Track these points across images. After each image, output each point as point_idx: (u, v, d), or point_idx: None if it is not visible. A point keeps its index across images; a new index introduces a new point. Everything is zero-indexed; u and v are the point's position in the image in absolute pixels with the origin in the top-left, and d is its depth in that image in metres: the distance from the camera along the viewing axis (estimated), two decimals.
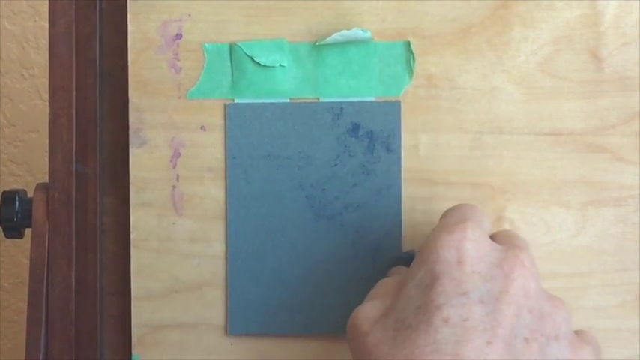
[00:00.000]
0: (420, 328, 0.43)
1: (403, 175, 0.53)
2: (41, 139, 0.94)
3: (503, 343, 0.43)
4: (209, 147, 0.54)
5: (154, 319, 0.54)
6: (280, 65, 0.53)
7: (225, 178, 0.54)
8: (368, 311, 0.47)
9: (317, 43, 0.53)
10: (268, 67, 0.53)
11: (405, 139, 0.53)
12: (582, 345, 0.46)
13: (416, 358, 0.42)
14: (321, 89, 0.53)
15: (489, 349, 0.42)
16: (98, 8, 0.55)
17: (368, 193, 0.53)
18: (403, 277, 0.48)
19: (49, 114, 0.55)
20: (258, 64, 0.53)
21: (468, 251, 0.45)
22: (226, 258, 0.54)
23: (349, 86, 0.53)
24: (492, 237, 0.48)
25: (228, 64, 0.53)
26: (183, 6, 0.53)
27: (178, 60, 0.54)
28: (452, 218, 0.48)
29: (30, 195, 0.56)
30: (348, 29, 0.52)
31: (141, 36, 0.54)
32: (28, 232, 0.56)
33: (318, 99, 0.53)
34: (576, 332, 0.47)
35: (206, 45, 0.54)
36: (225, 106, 0.54)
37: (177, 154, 0.54)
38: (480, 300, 0.44)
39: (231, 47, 0.53)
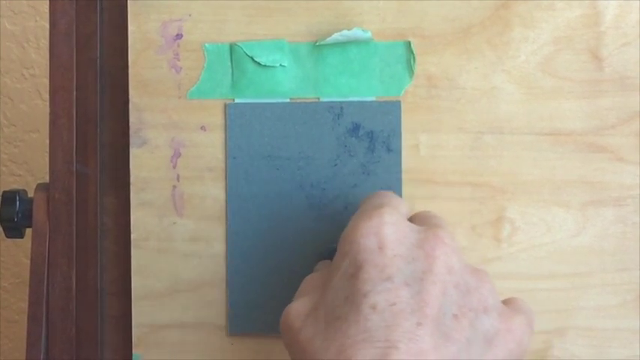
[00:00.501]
0: (350, 318, 0.43)
1: (403, 175, 0.53)
2: (41, 138, 0.94)
3: (432, 323, 0.43)
4: (209, 147, 0.54)
5: (154, 319, 0.54)
6: (280, 65, 0.53)
7: (226, 178, 0.54)
8: (298, 308, 0.47)
9: (317, 43, 0.53)
10: (268, 67, 0.53)
11: (406, 139, 0.53)
12: (512, 314, 0.46)
13: (349, 349, 0.42)
14: (322, 89, 0.53)
15: (420, 330, 0.42)
16: (99, 8, 0.55)
17: (368, 192, 0.53)
18: (328, 270, 0.48)
19: (50, 114, 0.55)
20: (259, 64, 0.53)
21: (388, 236, 0.45)
22: (226, 258, 0.54)
23: (349, 86, 0.53)
24: (410, 220, 0.48)
25: (229, 64, 0.53)
26: (183, 6, 0.53)
27: (179, 60, 0.54)
28: (368, 205, 0.48)
29: (30, 195, 0.56)
30: (348, 29, 0.52)
31: (141, 36, 0.54)
32: (28, 231, 0.56)
33: (318, 99, 0.53)
34: (507, 301, 0.47)
35: (206, 45, 0.54)
36: (225, 106, 0.54)
37: (177, 154, 0.54)
38: (405, 283, 0.44)
39: (232, 47, 0.53)
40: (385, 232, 0.45)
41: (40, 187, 0.55)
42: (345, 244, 0.46)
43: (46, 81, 0.57)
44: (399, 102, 0.53)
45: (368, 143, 0.53)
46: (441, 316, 0.43)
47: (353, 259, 0.45)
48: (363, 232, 0.46)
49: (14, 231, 0.56)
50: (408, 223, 0.47)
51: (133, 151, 0.54)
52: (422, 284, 0.44)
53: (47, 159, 0.55)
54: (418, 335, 0.42)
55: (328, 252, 0.52)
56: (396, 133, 0.53)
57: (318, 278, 0.49)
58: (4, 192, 0.56)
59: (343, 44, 0.53)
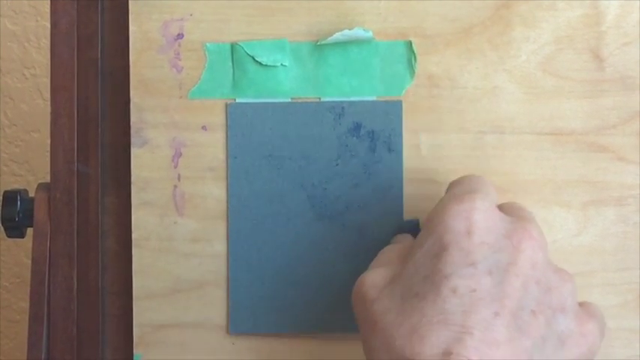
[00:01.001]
0: (428, 298, 0.43)
1: (405, 174, 0.53)
2: (42, 138, 0.94)
3: (510, 315, 0.43)
4: (210, 147, 0.54)
5: (155, 318, 0.54)
6: (282, 65, 0.53)
7: (227, 178, 0.54)
8: (374, 278, 0.47)
9: (318, 43, 0.53)
10: (270, 66, 0.53)
11: (407, 139, 0.53)
12: (588, 318, 0.46)
13: (423, 327, 0.43)
14: (323, 89, 0.53)
15: (496, 320, 0.42)
16: (100, 8, 0.55)
17: (369, 192, 0.53)
18: (409, 245, 0.48)
19: (51, 114, 0.55)
20: (260, 63, 0.53)
21: (478, 222, 0.45)
22: (228, 257, 0.54)
23: (350, 86, 0.53)
24: (499, 208, 0.48)
25: (230, 63, 0.53)
26: (184, 6, 0.53)
27: (180, 60, 0.54)
28: (460, 188, 0.48)
29: (31, 194, 0.56)
30: (349, 29, 0.52)
31: (142, 36, 0.54)
32: (29, 231, 0.56)
33: (319, 99, 0.53)
34: (581, 304, 0.47)
35: (207, 45, 0.54)
36: (226, 105, 0.54)
37: (178, 154, 0.54)
38: (489, 271, 0.44)
39: (233, 47, 0.53)
40: (475, 218, 0.45)
41: (41, 187, 0.55)
42: (433, 223, 0.46)
43: (47, 81, 0.57)
44: (400, 102, 0.53)
45: (369, 143, 0.53)
46: (519, 310, 0.43)
47: (439, 238, 0.45)
48: (453, 214, 0.45)
49: (15, 231, 0.56)
50: (499, 212, 0.46)
51: (134, 151, 0.54)
52: (505, 275, 0.44)
53: (48, 159, 0.55)
54: (494, 325, 0.42)
55: (408, 226, 0.52)
56: (397, 132, 0.53)
57: (397, 251, 0.48)
58: (5, 192, 0.56)
59: (344, 44, 0.53)
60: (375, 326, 0.45)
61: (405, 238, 0.51)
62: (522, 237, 0.45)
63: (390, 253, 0.49)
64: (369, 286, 0.46)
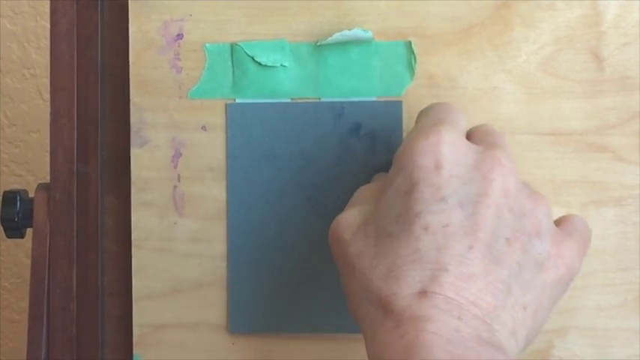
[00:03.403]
0: (401, 237, 0.43)
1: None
2: (42, 138, 0.94)
3: (484, 247, 0.43)
4: (210, 147, 0.54)
5: (155, 318, 0.54)
6: (281, 65, 0.53)
7: (227, 178, 0.54)
8: (349, 219, 0.46)
9: (318, 43, 0.53)
10: (269, 66, 0.53)
11: None
12: (565, 238, 0.46)
13: (398, 268, 0.42)
14: (323, 89, 0.53)
15: (471, 253, 0.42)
16: (99, 8, 0.55)
17: None
18: (382, 183, 0.47)
19: (50, 114, 0.55)
20: (260, 64, 0.53)
21: (445, 155, 0.44)
22: (227, 258, 0.54)
23: (350, 86, 0.53)
24: (469, 134, 0.47)
25: (230, 64, 0.54)
26: (184, 6, 0.53)
27: (179, 60, 0.54)
28: (427, 120, 0.47)
29: (31, 195, 0.56)
30: (349, 29, 0.52)
31: (142, 36, 0.54)
32: (29, 231, 0.56)
33: (319, 99, 0.53)
34: (562, 220, 0.47)
35: (207, 45, 0.54)
36: (226, 105, 0.54)
37: (178, 154, 0.54)
38: (460, 204, 0.44)
39: (233, 47, 0.53)
40: (442, 151, 0.44)
41: (41, 187, 0.55)
42: (401, 161, 0.46)
43: (47, 81, 0.57)
44: (400, 102, 0.53)
45: (369, 143, 0.53)
46: (494, 240, 0.43)
47: (408, 176, 0.45)
48: (419, 150, 0.45)
49: (15, 231, 0.56)
50: (467, 142, 0.46)
51: (134, 151, 0.54)
52: (476, 207, 0.43)
53: (48, 159, 0.55)
54: (469, 259, 0.42)
55: (387, 165, 0.52)
56: (397, 133, 0.53)
57: (371, 190, 0.48)
58: (5, 192, 0.56)
59: (344, 44, 0.53)
60: (353, 269, 0.45)
61: (380, 177, 0.50)
62: (492, 165, 0.44)
63: (365, 191, 0.49)
64: (343, 227, 0.46)
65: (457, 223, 0.43)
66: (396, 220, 0.44)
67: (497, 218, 0.43)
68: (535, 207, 0.45)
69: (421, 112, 0.49)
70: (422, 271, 0.42)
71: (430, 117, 0.47)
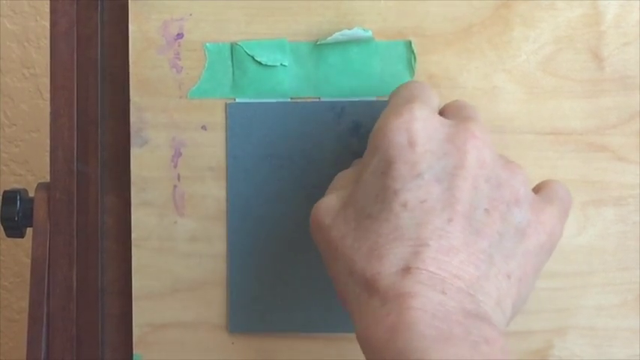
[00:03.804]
0: (381, 217, 0.43)
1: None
2: (42, 138, 0.94)
3: (463, 219, 0.43)
4: (210, 146, 0.54)
5: (155, 318, 0.54)
6: (281, 65, 0.53)
7: (227, 178, 0.54)
8: (328, 204, 0.47)
9: (318, 43, 0.53)
10: (269, 66, 0.53)
11: None
12: (544, 204, 0.46)
13: (380, 247, 0.43)
14: (322, 89, 0.53)
15: (450, 226, 0.42)
16: (99, 8, 0.55)
17: None
18: (359, 167, 0.48)
19: (50, 113, 0.55)
20: (260, 63, 0.53)
21: (419, 131, 0.45)
22: (227, 257, 0.54)
23: (350, 86, 0.53)
24: (442, 111, 0.48)
25: (230, 63, 0.54)
26: (184, 6, 0.53)
27: (179, 59, 0.54)
28: (398, 99, 0.47)
29: (31, 194, 0.56)
30: (349, 28, 0.52)
31: (142, 35, 0.54)
32: (29, 231, 0.56)
33: (319, 98, 0.53)
34: (541, 186, 0.47)
35: (207, 44, 0.54)
36: (226, 105, 0.54)
37: (178, 154, 0.54)
38: (436, 179, 0.44)
39: (233, 47, 0.53)
40: (415, 128, 0.45)
41: (41, 187, 0.55)
42: (375, 140, 0.46)
43: (47, 80, 0.57)
44: None
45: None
46: (472, 212, 0.43)
47: (383, 155, 0.45)
48: (392, 128, 0.45)
49: (15, 230, 0.56)
50: (439, 117, 0.46)
51: (134, 151, 0.54)
52: (453, 180, 0.44)
53: (48, 158, 0.55)
54: (449, 232, 0.42)
55: None
56: None
57: (349, 174, 0.48)
58: (5, 191, 0.56)
59: (344, 44, 0.53)
60: (336, 252, 0.45)
61: (358, 162, 0.50)
62: (465, 138, 0.45)
63: (343, 176, 0.49)
64: (323, 213, 0.46)
65: (435, 198, 0.43)
66: (375, 200, 0.44)
67: (474, 189, 0.44)
68: (512, 176, 0.45)
69: (392, 92, 0.49)
70: (403, 248, 0.42)
71: (401, 95, 0.48)
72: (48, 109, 0.55)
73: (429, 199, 0.43)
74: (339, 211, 0.46)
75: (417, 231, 0.42)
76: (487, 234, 0.43)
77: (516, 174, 0.46)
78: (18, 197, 0.55)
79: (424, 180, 0.44)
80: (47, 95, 0.89)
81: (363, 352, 0.42)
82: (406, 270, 0.42)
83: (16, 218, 0.55)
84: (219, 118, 0.54)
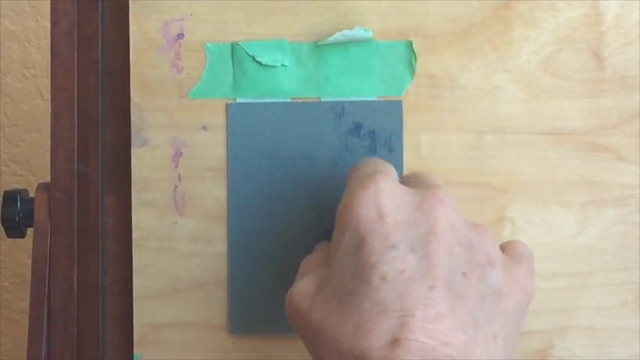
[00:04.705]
0: (361, 292, 0.43)
1: (405, 174, 0.53)
2: (43, 138, 0.94)
3: (444, 284, 0.43)
4: (211, 146, 0.54)
5: (155, 318, 0.54)
6: (282, 65, 0.53)
7: (227, 178, 0.54)
8: (302, 287, 0.46)
9: (318, 43, 0.53)
10: (270, 66, 0.53)
11: (407, 139, 0.53)
12: (515, 265, 0.46)
13: (365, 323, 0.42)
14: (323, 89, 0.53)
15: (433, 294, 0.42)
16: (100, 8, 0.55)
17: None
18: (328, 247, 0.47)
19: (51, 114, 0.55)
20: (260, 63, 0.53)
21: (386, 202, 0.45)
22: (228, 257, 0.54)
23: (351, 86, 0.53)
24: (403, 182, 0.47)
25: (230, 63, 0.54)
26: (184, 6, 0.53)
27: (180, 60, 0.54)
28: (360, 173, 0.47)
29: (31, 194, 0.56)
30: (349, 29, 0.52)
31: (142, 36, 0.54)
32: (29, 231, 0.56)
33: (319, 99, 0.53)
34: (505, 247, 0.47)
35: (208, 45, 0.54)
36: (226, 105, 0.54)
37: (178, 154, 0.54)
38: (411, 248, 0.43)
39: (233, 47, 0.53)
40: (383, 200, 0.45)
41: (42, 187, 0.55)
42: (344, 218, 0.45)
43: (47, 81, 0.57)
44: (401, 102, 0.53)
45: (369, 143, 0.53)
46: (451, 277, 0.43)
47: (354, 231, 0.45)
48: (360, 203, 0.45)
49: (15, 231, 0.56)
50: (404, 187, 0.46)
51: (135, 151, 0.54)
52: (427, 247, 0.43)
53: (48, 159, 0.55)
54: (433, 299, 0.42)
55: (322, 234, 0.52)
56: (397, 132, 0.53)
57: (317, 257, 0.48)
58: (6, 192, 0.56)
59: (344, 44, 0.53)
60: (320, 335, 0.44)
61: (322, 245, 0.50)
62: (433, 204, 0.45)
63: (310, 260, 0.48)
64: (300, 298, 0.46)
65: (413, 267, 0.43)
66: (353, 277, 0.44)
67: (449, 255, 0.44)
68: (482, 238, 0.46)
69: (350, 169, 0.49)
70: (389, 320, 0.42)
71: (362, 170, 0.48)
72: (48, 110, 0.55)
73: (406, 269, 0.43)
74: (316, 293, 0.45)
75: (401, 302, 0.42)
76: (469, 297, 0.43)
77: (485, 235, 0.46)
78: (18, 197, 0.55)
79: (399, 250, 0.43)
80: (47, 95, 0.89)
81: None
82: (395, 342, 0.41)
83: (17, 218, 0.55)
84: (219, 118, 0.54)
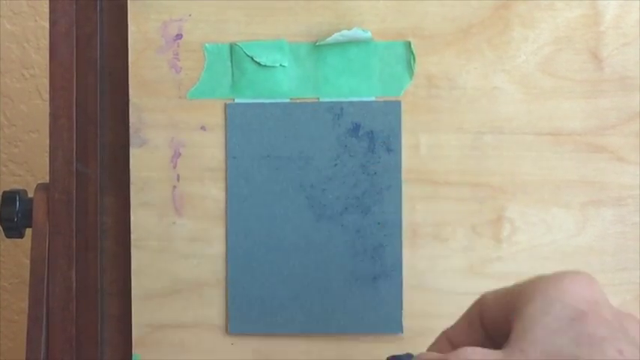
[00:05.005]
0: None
1: (403, 174, 0.53)
2: (42, 139, 0.94)
3: None
4: (209, 147, 0.54)
5: (154, 318, 0.54)
6: (280, 65, 0.53)
7: (226, 178, 0.54)
8: None
9: (317, 43, 0.53)
10: (268, 67, 0.53)
11: (406, 139, 0.53)
12: None
13: None
14: (322, 89, 0.53)
15: None
16: (99, 8, 0.55)
17: (368, 193, 0.53)
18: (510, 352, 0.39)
19: (50, 114, 0.55)
20: (259, 64, 0.53)
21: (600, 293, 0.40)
22: (226, 258, 0.54)
23: (349, 86, 0.53)
24: None
25: (229, 64, 0.54)
26: (183, 6, 0.53)
27: (179, 60, 0.54)
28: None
29: (30, 195, 0.56)
30: (348, 29, 0.52)
31: (141, 36, 0.54)
32: (28, 231, 0.56)
33: (318, 99, 0.53)
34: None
35: (206, 45, 0.54)
36: (225, 105, 0.54)
37: (177, 154, 0.54)
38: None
39: (232, 47, 0.53)
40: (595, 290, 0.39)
41: (40, 187, 0.55)
42: (544, 292, 0.39)
43: (46, 81, 0.57)
44: (399, 102, 0.53)
45: (368, 143, 0.53)
46: None
47: (569, 305, 0.38)
48: (573, 288, 0.39)
49: (14, 231, 0.56)
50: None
51: (133, 151, 0.54)
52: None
53: (47, 159, 0.55)
54: None
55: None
56: (395, 133, 0.53)
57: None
58: (4, 192, 0.56)
59: (343, 44, 0.53)
60: None
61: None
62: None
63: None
64: None
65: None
66: (574, 345, 0.37)
67: None
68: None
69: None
70: None
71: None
72: (47, 110, 0.55)
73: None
74: None
75: None
76: None
77: None
78: (17, 198, 0.55)
79: (628, 338, 0.39)
80: (47, 96, 0.89)
81: None
82: None
83: (16, 219, 0.55)
84: (218, 118, 0.54)
